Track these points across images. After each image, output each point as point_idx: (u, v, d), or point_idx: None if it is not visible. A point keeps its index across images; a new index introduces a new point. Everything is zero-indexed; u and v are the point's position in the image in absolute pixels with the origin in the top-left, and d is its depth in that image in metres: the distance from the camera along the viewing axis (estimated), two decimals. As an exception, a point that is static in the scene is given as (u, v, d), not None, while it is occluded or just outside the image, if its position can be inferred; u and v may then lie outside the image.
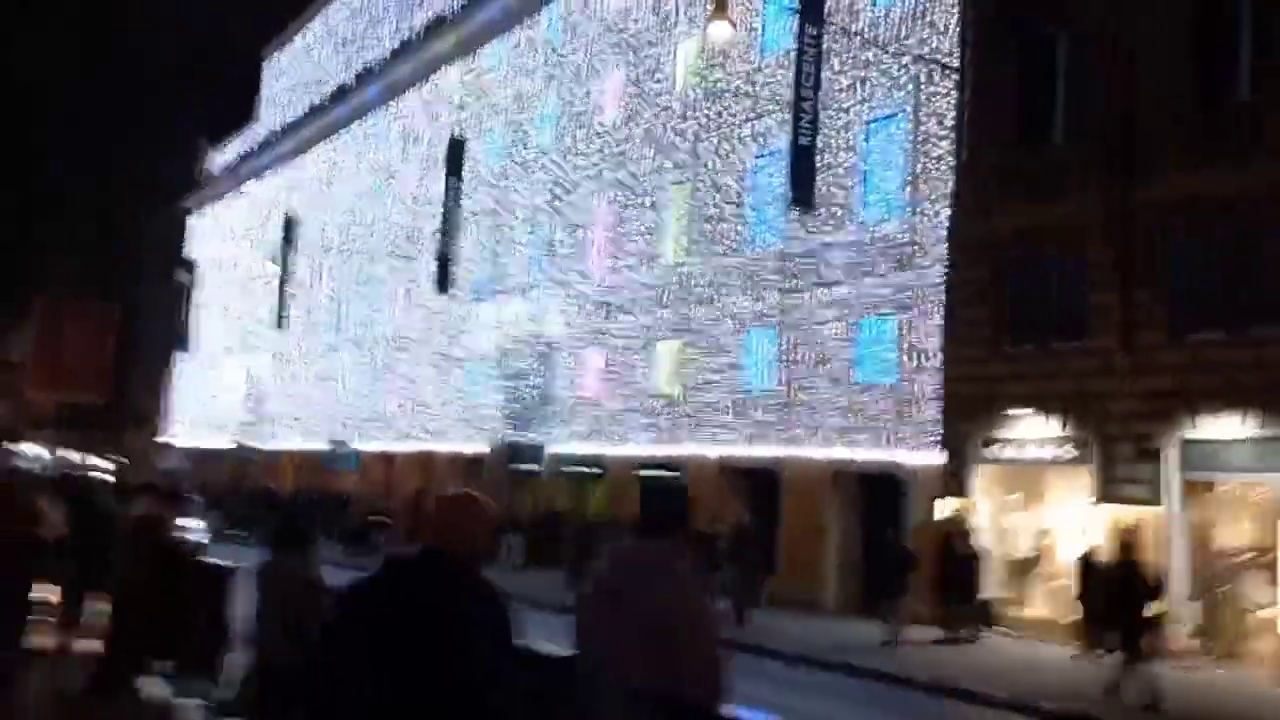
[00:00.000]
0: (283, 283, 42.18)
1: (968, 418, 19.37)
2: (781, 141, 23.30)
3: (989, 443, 19.14)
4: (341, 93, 46.28)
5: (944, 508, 19.44)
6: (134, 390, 60.48)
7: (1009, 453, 18.94)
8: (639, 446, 26.87)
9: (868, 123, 22.48)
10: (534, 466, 30.59)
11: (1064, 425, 18.02)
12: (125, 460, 66.58)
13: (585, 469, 29.01)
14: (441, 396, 36.18)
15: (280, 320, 42.38)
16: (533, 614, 3.96)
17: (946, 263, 20.25)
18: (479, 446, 33.13)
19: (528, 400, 31.22)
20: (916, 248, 20.88)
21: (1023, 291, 19.06)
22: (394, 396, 39.06)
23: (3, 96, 60.20)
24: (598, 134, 30.32)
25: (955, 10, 20.79)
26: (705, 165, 26.25)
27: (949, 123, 20.58)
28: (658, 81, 28.32)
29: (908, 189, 21.33)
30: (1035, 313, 18.76)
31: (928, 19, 21.29)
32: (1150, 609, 13.92)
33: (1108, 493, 17.27)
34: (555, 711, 4.26)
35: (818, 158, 21.75)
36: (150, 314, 60.07)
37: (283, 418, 47.59)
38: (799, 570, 21.96)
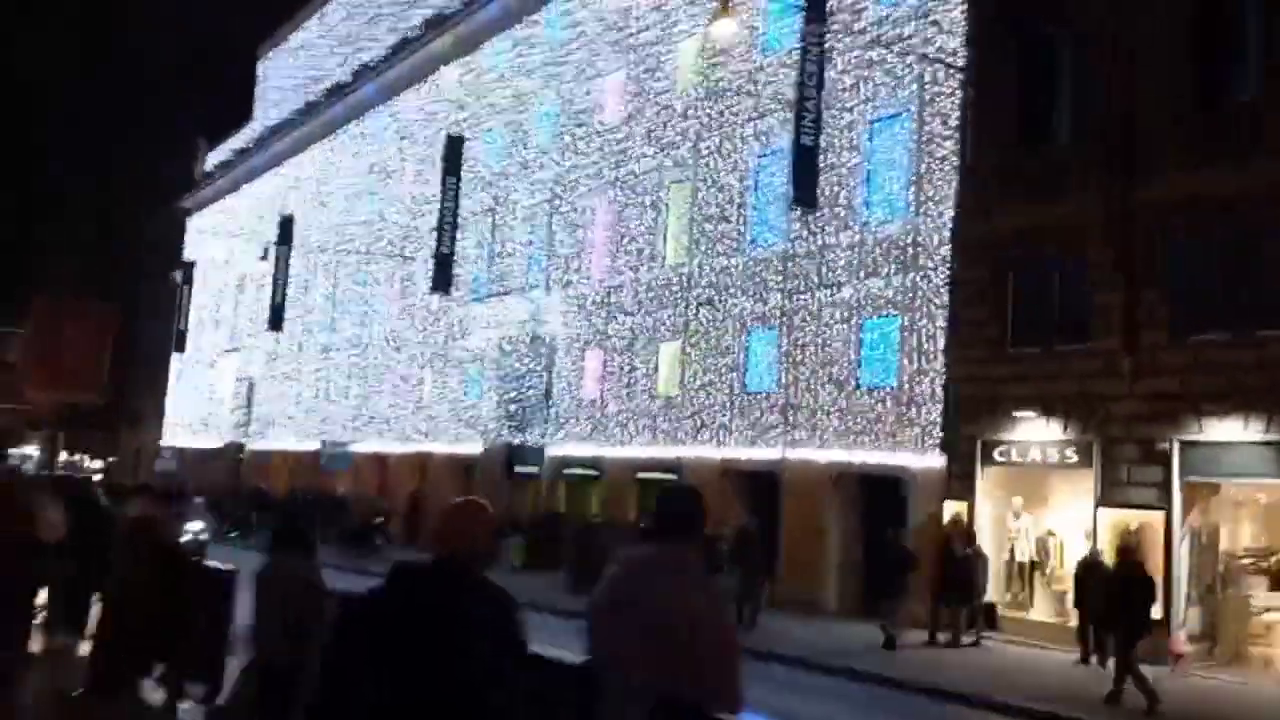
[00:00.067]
0: (278, 282, 42.11)
1: (970, 420, 19.33)
2: (784, 141, 23.24)
3: (991, 445, 19.09)
4: (338, 91, 46.24)
5: (946, 510, 19.40)
6: (132, 390, 60.43)
7: (1011, 455, 18.88)
8: (639, 448, 26.83)
9: (871, 122, 22.44)
10: (533, 469, 30.55)
11: (1066, 428, 17.98)
12: (113, 459, 66.61)
13: (585, 471, 28.97)
14: (438, 397, 36.13)
15: (275, 320, 42.32)
16: (532, 616, 3.92)
17: (949, 264, 20.21)
18: (476, 448, 33.09)
19: (527, 401, 31.16)
20: (919, 248, 20.83)
21: (1025, 293, 19.02)
22: (390, 397, 39.01)
23: (3, 96, 60.21)
24: (598, 133, 30.27)
25: (960, 9, 20.75)
26: (707, 165, 26.20)
27: (953, 123, 20.53)
28: (659, 80, 28.27)
29: (911, 189, 21.30)
30: (1038, 314, 18.72)
31: (932, 18, 21.25)
32: (1149, 612, 13.94)
33: (1110, 496, 17.22)
34: (558, 713, 4.22)
35: (820, 158, 21.69)
36: (150, 314, 60.07)
37: (277, 418, 47.57)
38: (800, 572, 21.91)
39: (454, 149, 34.82)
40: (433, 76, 39.49)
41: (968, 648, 17.36)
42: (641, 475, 26.62)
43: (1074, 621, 16.94)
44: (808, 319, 22.88)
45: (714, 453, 24.57)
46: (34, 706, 9.13)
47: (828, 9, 21.63)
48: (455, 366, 35.39)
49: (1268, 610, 16.53)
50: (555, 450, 29.87)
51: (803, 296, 23.04)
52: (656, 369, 27.03)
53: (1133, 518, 16.75)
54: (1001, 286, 19.25)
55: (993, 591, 18.71)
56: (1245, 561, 16.92)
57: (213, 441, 53.70)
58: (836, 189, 22.50)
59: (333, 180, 46.21)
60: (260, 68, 58.17)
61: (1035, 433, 18.40)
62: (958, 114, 20.48)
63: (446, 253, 34.05)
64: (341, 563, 22.80)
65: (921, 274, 20.70)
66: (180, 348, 54.61)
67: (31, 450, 52.83)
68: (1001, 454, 19.02)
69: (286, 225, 42.76)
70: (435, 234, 34.45)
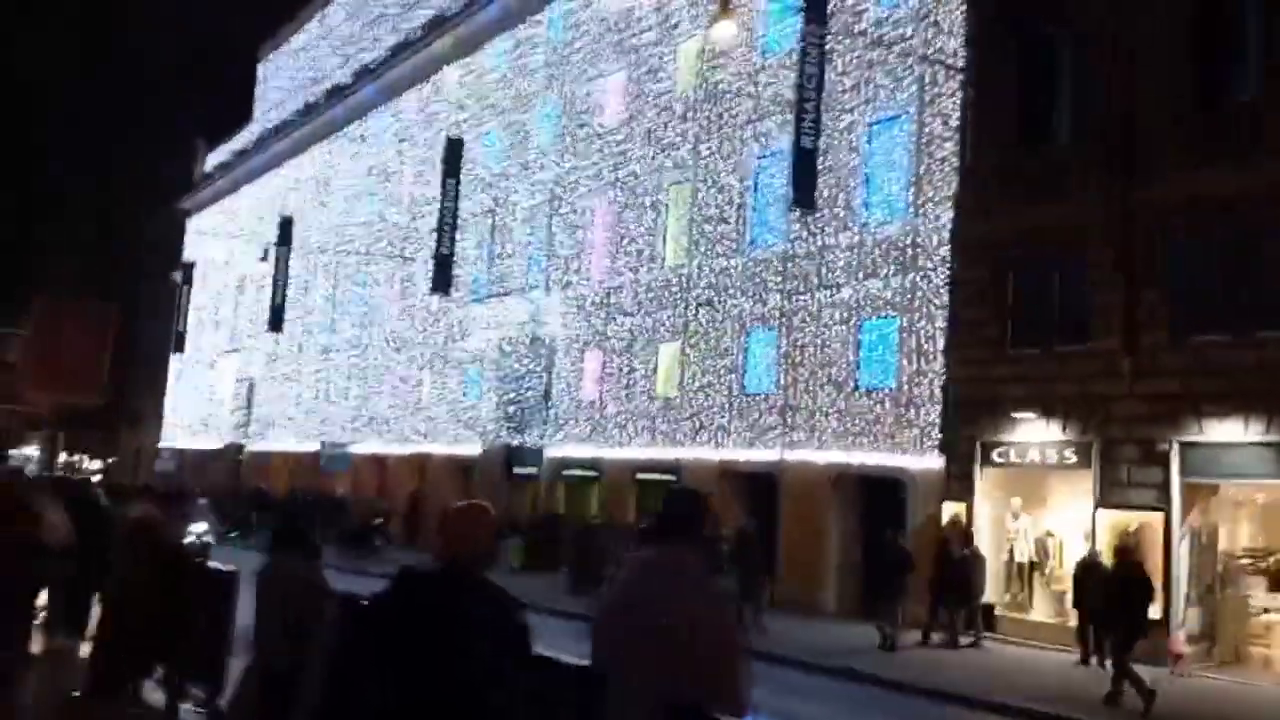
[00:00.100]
0: (278, 283, 42.12)
1: (969, 421, 19.33)
2: (783, 142, 23.25)
3: (991, 446, 19.09)
4: (338, 92, 46.25)
5: (945, 511, 19.40)
6: (131, 391, 60.45)
7: (1011, 456, 18.88)
8: (638, 449, 26.83)
9: (871, 124, 22.44)
10: (532, 470, 30.55)
11: (1066, 428, 17.98)
12: (112, 460, 66.60)
13: (584, 472, 28.97)
14: (438, 398, 36.14)
15: (275, 321, 42.32)
16: (532, 617, 3.94)
17: (948, 264, 20.22)
18: (475, 449, 33.10)
19: (526, 402, 31.16)
20: (919, 249, 20.84)
21: (1024, 293, 19.02)
22: (389, 398, 39.02)
23: (3, 96, 60.24)
24: (598, 134, 30.28)
25: (960, 10, 20.76)
26: (706, 166, 26.21)
27: (953, 123, 20.53)
28: (659, 82, 28.27)
29: (911, 190, 21.30)
30: (1037, 315, 18.72)
31: (932, 19, 21.26)
32: (1147, 612, 13.95)
33: (1110, 496, 17.22)
34: (559, 714, 4.23)
35: (820, 159, 21.71)
36: (150, 314, 60.09)
37: (277, 419, 47.58)
38: (799, 573, 21.92)
39: (454, 150, 34.84)
40: (433, 78, 39.50)
41: (967, 649, 17.36)
42: (641, 476, 26.64)
43: (1073, 622, 16.95)
44: (807, 320, 22.88)
45: (713, 454, 24.57)
46: (34, 707, 9.14)
47: (828, 10, 21.64)
48: (455, 367, 35.39)
49: (1266, 611, 16.55)
50: (554, 451, 29.87)
51: (802, 297, 23.05)
52: (656, 370, 27.03)
53: (1132, 518, 16.75)
54: (1001, 287, 19.25)
55: (992, 592, 18.71)
56: (1244, 562, 16.94)
57: (212, 442, 53.69)
58: (836, 190, 22.50)
59: (333, 181, 46.21)
60: (260, 68, 58.19)
61: (1034, 434, 18.40)
62: (958, 115, 20.49)
63: (446, 254, 34.07)
64: (341, 564, 22.79)
65: (921, 275, 20.71)
66: (180, 348, 54.65)
67: (31, 451, 52.81)
68: (1001, 455, 19.01)
69: (286, 226, 42.78)
70: (435, 235, 34.46)
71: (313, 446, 40.48)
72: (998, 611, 18.84)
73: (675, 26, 27.93)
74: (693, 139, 26.74)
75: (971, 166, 20.07)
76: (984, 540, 18.81)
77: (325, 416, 43.00)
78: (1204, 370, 16.12)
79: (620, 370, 27.98)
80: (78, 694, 9.02)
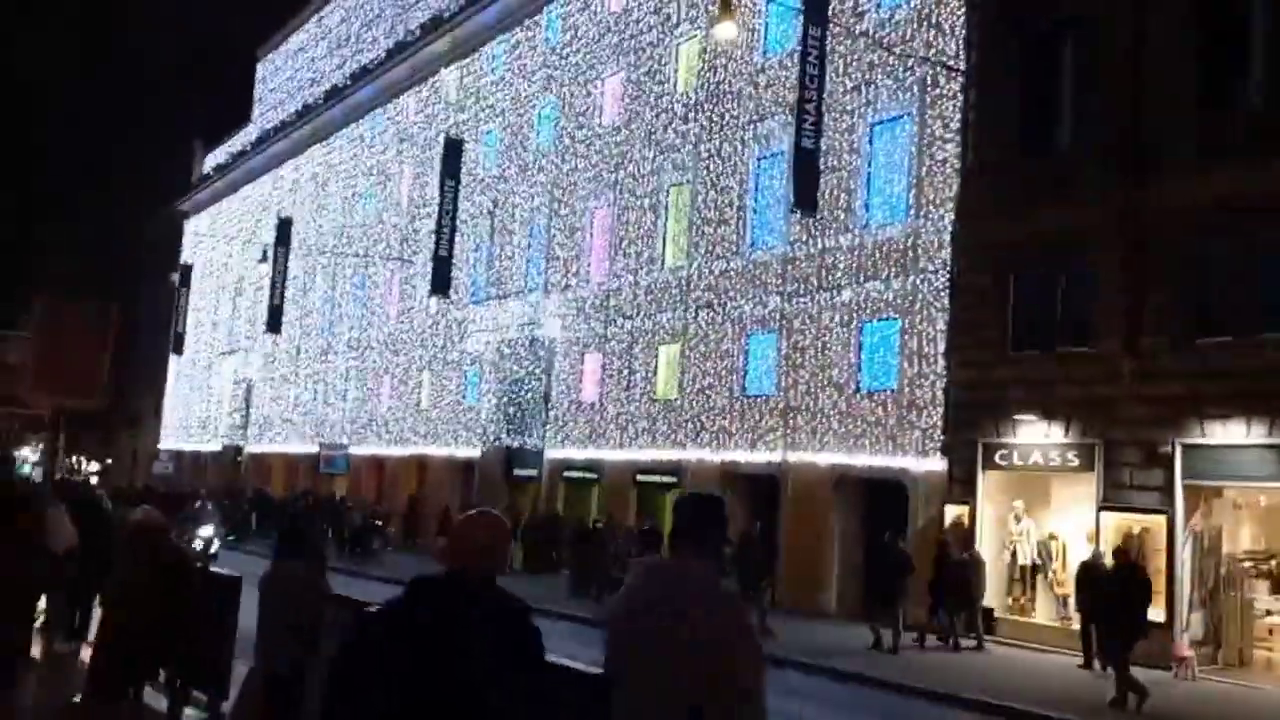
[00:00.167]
0: (276, 285, 42.05)
1: (972, 423, 19.28)
2: (784, 144, 23.22)
3: (993, 448, 19.04)
4: (337, 93, 46.21)
5: (947, 513, 19.37)
6: (130, 392, 60.39)
7: (1013, 458, 18.84)
8: (638, 451, 26.79)
9: (872, 125, 22.42)
10: (532, 471, 30.50)
11: (1068, 431, 17.94)
12: (110, 462, 66.53)
13: (584, 474, 28.92)
14: (437, 400, 36.08)
15: (273, 323, 42.24)
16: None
17: (949, 266, 20.18)
18: (474, 451, 33.04)
19: (525, 404, 31.11)
20: (920, 251, 20.80)
21: (1027, 295, 18.97)
22: (388, 400, 38.96)
23: (3, 96, 60.19)
24: (597, 135, 30.24)
25: (961, 12, 20.73)
26: (706, 167, 26.17)
27: (955, 125, 20.51)
28: (659, 83, 28.24)
29: (912, 192, 21.27)
30: (1039, 317, 18.68)
31: (933, 20, 21.23)
32: (1146, 613, 13.92)
33: (1112, 499, 17.19)
34: (561, 718, 4.19)
35: (821, 160, 21.67)
36: (149, 315, 60.06)
37: (275, 420, 47.51)
38: (801, 575, 21.89)
39: (453, 151, 34.78)
40: (432, 79, 39.46)
41: (968, 651, 17.32)
42: (641, 478, 26.60)
43: (1076, 625, 16.90)
44: (808, 322, 22.84)
45: (714, 456, 24.53)
46: (35, 711, 9.09)
47: (828, 11, 21.60)
48: (454, 369, 35.34)
49: (1270, 613, 16.53)
50: (554, 453, 29.83)
51: (803, 299, 23.01)
52: (656, 372, 26.99)
53: (1135, 521, 16.73)
54: (1003, 289, 19.20)
55: (994, 595, 18.67)
56: (1247, 565, 16.91)
57: (211, 444, 53.63)
58: (837, 192, 22.47)
59: (331, 183, 46.17)
60: (259, 70, 58.15)
61: (1037, 436, 18.37)
62: (959, 116, 20.46)
63: (445, 255, 34.00)
64: (340, 566, 22.73)
65: (922, 276, 20.68)
66: (178, 350, 54.59)
67: (30, 453, 52.76)
68: (1003, 457, 18.98)
69: (285, 227, 42.70)
70: (434, 236, 34.40)
71: (311, 448, 40.43)
72: (1000, 614, 18.80)
73: (675, 27, 27.90)
74: (693, 140, 26.70)
75: (973, 168, 20.03)
76: (986, 543, 18.78)
77: (324, 418, 42.94)
78: (1207, 372, 16.08)
79: (620, 372, 27.93)
80: (78, 698, 8.97)
